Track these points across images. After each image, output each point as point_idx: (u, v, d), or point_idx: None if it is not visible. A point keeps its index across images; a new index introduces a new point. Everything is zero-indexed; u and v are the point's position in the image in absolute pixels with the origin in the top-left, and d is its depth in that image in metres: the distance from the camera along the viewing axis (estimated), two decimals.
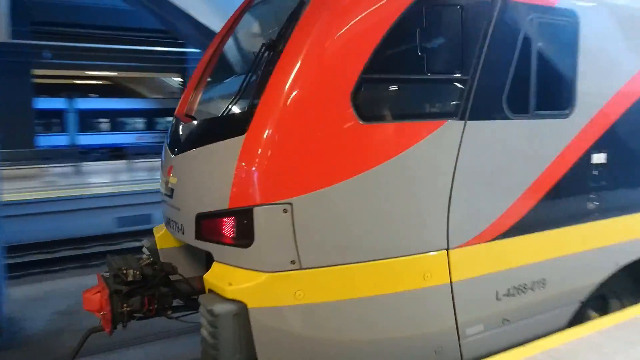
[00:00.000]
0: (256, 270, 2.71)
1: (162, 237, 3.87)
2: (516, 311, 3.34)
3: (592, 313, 3.89)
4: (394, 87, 3.00)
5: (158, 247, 3.84)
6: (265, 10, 3.77)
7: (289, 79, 2.69)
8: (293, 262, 2.69)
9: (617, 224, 3.79)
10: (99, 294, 3.31)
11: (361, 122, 2.73)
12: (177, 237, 3.43)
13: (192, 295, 3.43)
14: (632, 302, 3.95)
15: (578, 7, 3.42)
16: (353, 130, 2.74)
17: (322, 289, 2.75)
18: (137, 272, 3.21)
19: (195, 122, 3.59)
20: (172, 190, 3.36)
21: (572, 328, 3.40)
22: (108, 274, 3.41)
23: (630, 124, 3.79)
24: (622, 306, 3.95)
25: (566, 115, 3.42)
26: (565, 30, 3.37)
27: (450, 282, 3.02)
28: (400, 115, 2.90)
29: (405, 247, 2.90)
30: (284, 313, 2.72)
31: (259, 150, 2.67)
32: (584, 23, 3.42)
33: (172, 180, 3.35)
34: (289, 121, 2.68)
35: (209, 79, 4.13)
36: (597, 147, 3.58)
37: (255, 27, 3.92)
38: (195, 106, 3.94)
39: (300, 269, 2.70)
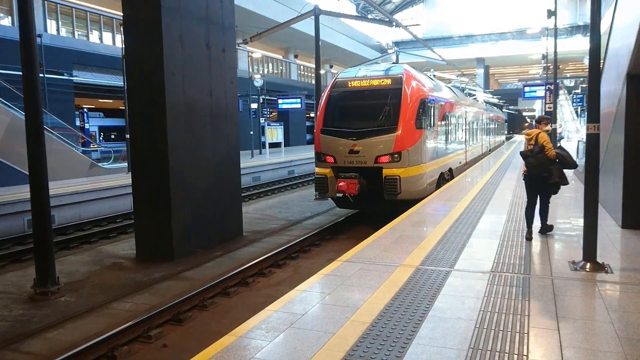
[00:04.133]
0: (402, 168, 10.49)
1: (330, 172, 10.93)
2: (431, 184, 12.01)
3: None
4: (420, 121, 11.18)
5: (328, 176, 10.91)
6: (376, 92, 11.23)
7: (405, 118, 10.60)
8: (409, 164, 10.60)
9: (440, 159, 13.05)
10: (345, 184, 10.29)
11: (417, 129, 10.88)
12: (358, 165, 10.64)
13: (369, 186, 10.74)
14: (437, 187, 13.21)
15: (437, 100, 12.39)
16: (416, 132, 10.86)
17: (413, 172, 10.75)
18: (358, 175, 10.40)
19: (367, 130, 10.73)
20: (357, 151, 10.58)
21: (297, 288, 4.84)
22: (347, 177, 10.41)
23: (443, 131, 13.11)
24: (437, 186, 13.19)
25: (434, 127, 12.31)
26: (437, 107, 12.28)
27: (425, 172, 11.46)
28: (421, 127, 11.14)
29: (422, 161, 11.19)
30: (408, 178, 10.58)
31: (402, 137, 10.50)
32: (440, 105, 12.44)
33: (358, 147, 10.58)
34: (406, 130, 10.58)
35: (335, 113, 11.31)
36: (435, 138, 12.66)
37: (374, 96, 11.28)
38: (341, 124, 11.16)
39: (409, 166, 10.63)
